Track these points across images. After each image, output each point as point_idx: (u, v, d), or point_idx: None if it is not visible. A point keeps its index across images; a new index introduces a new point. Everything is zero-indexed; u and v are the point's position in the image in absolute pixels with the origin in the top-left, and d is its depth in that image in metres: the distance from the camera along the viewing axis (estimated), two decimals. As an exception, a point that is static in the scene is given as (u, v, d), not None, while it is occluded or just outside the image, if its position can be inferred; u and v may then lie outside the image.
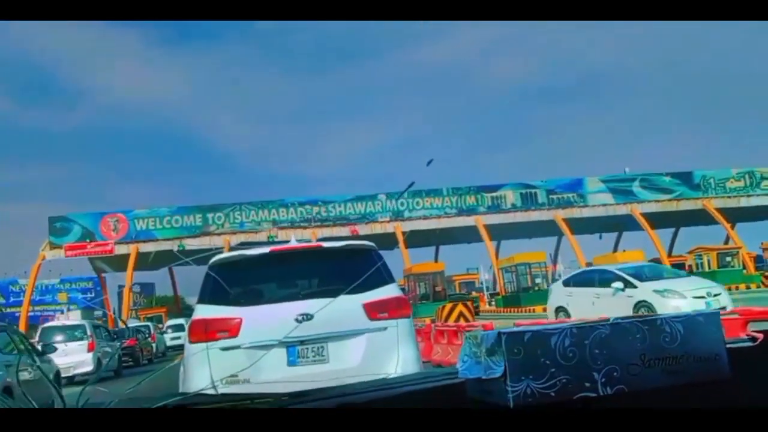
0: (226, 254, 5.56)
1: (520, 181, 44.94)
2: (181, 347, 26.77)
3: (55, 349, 11.26)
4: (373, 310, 4.96)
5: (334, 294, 4.74)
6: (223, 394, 1.74)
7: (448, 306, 22.25)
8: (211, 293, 5.06)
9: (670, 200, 44.98)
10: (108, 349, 17.18)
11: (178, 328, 30.99)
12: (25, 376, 8.45)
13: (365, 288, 4.94)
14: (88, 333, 16.75)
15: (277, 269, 5.48)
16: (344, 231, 41.84)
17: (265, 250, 5.39)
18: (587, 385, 1.21)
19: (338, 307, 4.66)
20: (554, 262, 47.42)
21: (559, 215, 43.04)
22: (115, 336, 19.45)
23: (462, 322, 16.30)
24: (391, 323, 4.99)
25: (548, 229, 44.25)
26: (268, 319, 4.82)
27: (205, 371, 4.60)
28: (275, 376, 4.52)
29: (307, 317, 4.67)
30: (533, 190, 44.18)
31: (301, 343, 4.74)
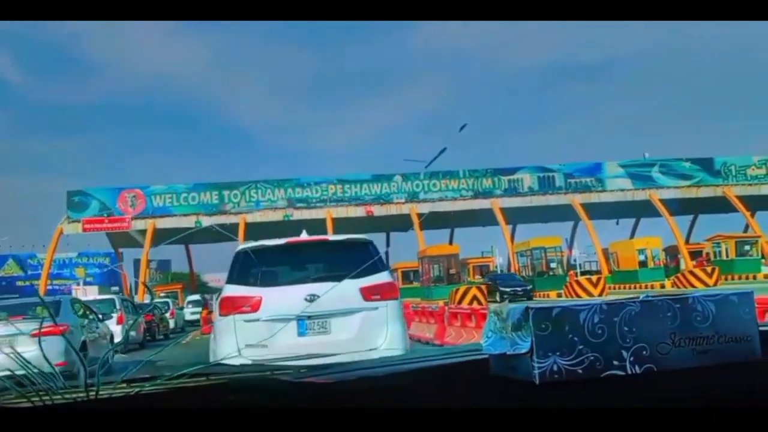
0: (250, 243, 6.61)
1: (537, 165, 44.58)
2: (198, 323, 27.40)
3: (111, 317, 13.44)
4: (368, 293, 5.91)
5: (336, 279, 5.70)
6: (242, 365, 1.76)
7: (462, 289, 22.27)
8: (237, 275, 6.11)
9: (689, 186, 44.42)
10: (133, 323, 17.77)
11: (198, 303, 31.73)
12: (92, 336, 10.83)
13: (362, 274, 5.85)
14: (117, 306, 17.47)
15: (291, 257, 6.53)
16: (359, 211, 41.82)
17: (281, 241, 6.40)
18: (616, 363, 1.19)
19: (340, 289, 5.59)
20: (570, 247, 47.21)
21: (577, 200, 42.71)
22: (140, 310, 20.26)
23: (476, 305, 16.27)
24: (381, 304, 5.95)
25: (565, 213, 43.98)
26: (282, 298, 5.81)
27: (232, 339, 5.56)
28: (287, 343, 5.46)
29: (314, 297, 5.64)
30: (551, 174, 43.82)
31: (309, 317, 5.70)
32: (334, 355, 5.01)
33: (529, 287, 32.05)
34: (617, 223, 47.39)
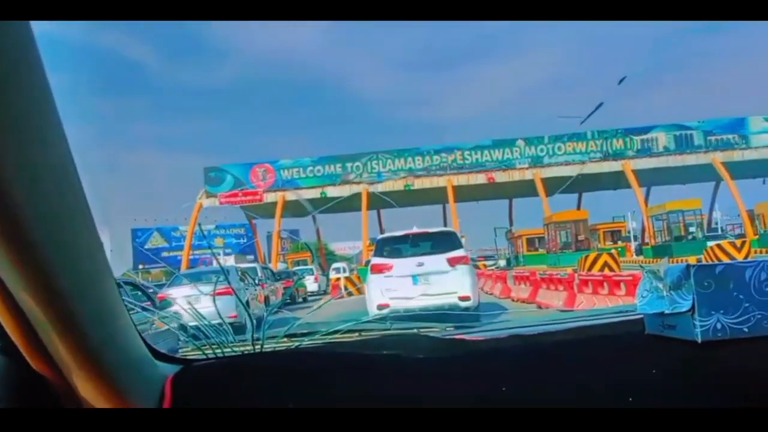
0: (386, 234, 11.78)
1: (673, 122, 41.44)
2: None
3: (281, 278, 19.30)
4: (452, 261, 9.89)
5: (434, 253, 10.06)
6: (391, 322, 1.86)
7: (592, 255, 21.38)
8: (379, 251, 10.52)
9: None
10: (273, 288, 18.95)
11: (340, 270, 33.78)
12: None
13: (447, 250, 10.09)
14: (259, 274, 18.64)
15: (408, 241, 10.68)
16: (480, 178, 41.22)
17: (403, 233, 10.87)
18: (785, 321, 1.13)
19: (436, 259, 9.91)
20: (711, 209, 43.75)
21: (718, 158, 39.27)
22: (278, 277, 21.64)
23: (607, 272, 15.62)
24: (460, 267, 9.89)
25: (705, 173, 40.66)
26: (404, 264, 10.00)
27: (378, 288, 9.69)
28: (407, 289, 9.57)
29: (422, 264, 9.91)
30: (688, 132, 40.54)
31: (419, 275, 9.81)
32: (436, 295, 9.29)
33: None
34: (764, 182, 43.04)
